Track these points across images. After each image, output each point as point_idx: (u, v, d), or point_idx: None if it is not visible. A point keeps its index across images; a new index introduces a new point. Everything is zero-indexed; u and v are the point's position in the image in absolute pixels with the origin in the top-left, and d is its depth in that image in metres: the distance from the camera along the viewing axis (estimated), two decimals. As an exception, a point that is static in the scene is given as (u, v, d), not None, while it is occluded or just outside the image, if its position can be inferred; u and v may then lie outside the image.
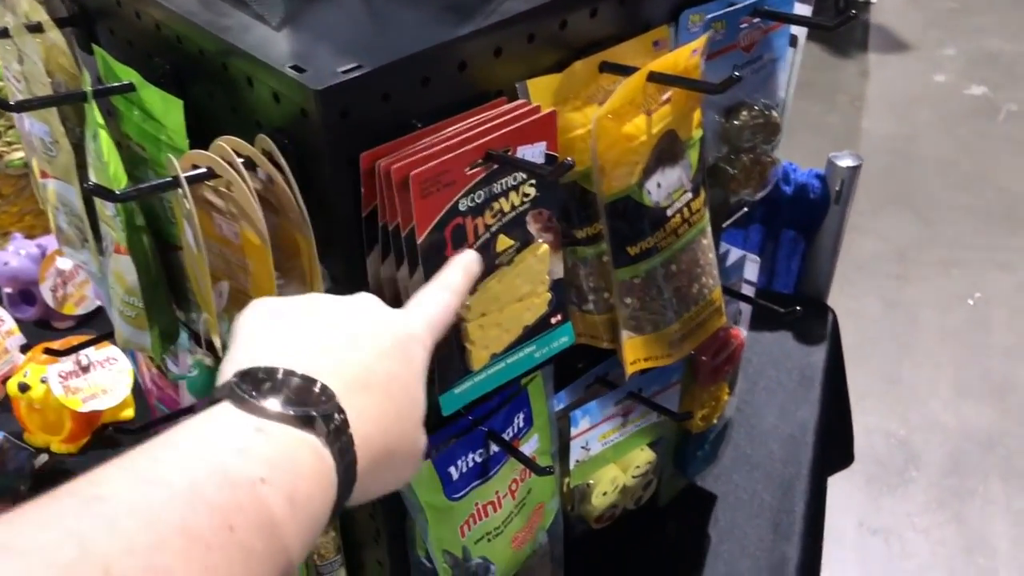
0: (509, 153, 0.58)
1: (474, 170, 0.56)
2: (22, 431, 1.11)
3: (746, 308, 1.04)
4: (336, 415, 0.40)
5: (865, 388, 2.53)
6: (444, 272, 0.55)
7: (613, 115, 0.62)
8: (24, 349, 1.17)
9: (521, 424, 0.76)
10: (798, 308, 0.87)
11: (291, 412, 0.38)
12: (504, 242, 0.61)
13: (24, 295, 1.30)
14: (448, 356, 0.61)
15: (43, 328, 1.31)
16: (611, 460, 0.90)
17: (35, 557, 0.28)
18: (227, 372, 0.41)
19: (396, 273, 0.58)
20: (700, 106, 0.71)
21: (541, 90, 0.63)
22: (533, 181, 0.60)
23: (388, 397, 0.45)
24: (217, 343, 0.64)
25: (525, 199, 0.61)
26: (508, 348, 0.64)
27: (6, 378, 1.13)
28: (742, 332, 1.08)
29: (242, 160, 0.56)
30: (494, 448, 0.73)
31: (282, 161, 0.55)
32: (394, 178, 0.54)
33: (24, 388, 1.06)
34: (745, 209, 1.03)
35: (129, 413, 1.13)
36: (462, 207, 0.57)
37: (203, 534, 0.32)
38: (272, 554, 0.35)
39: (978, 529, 2.17)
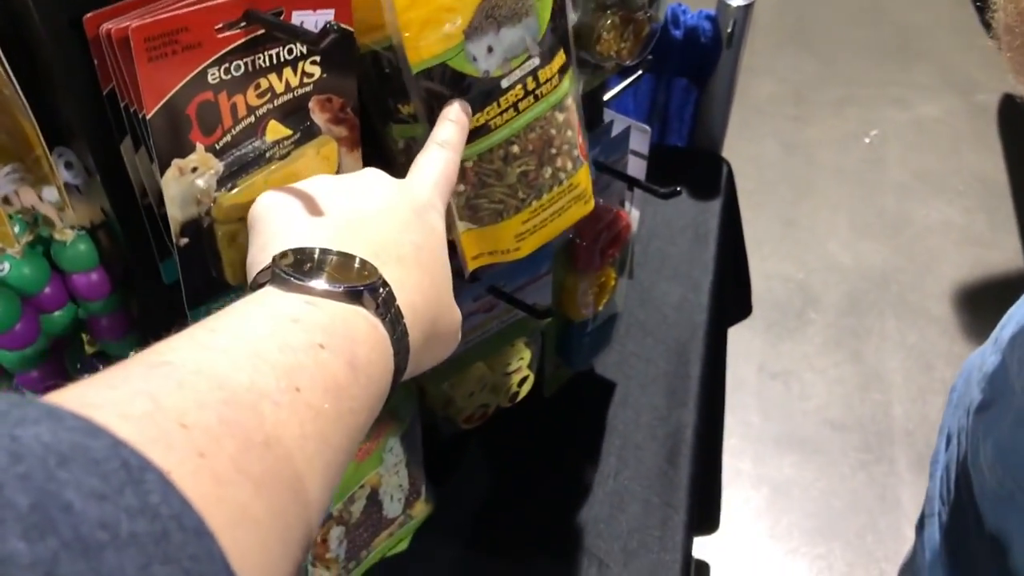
0: (282, 18, 0.46)
1: (230, 32, 0.44)
2: None
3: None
4: (381, 288, 0.40)
5: (763, 234, 2.56)
6: (436, 129, 0.52)
7: (417, -37, 0.50)
8: None
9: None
10: (678, 189, 0.78)
11: (338, 288, 0.38)
12: (277, 130, 0.50)
13: None
14: (200, 261, 0.51)
15: None
16: (476, 359, 0.82)
17: (109, 410, 0.27)
18: (259, 261, 0.41)
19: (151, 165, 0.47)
20: (553, -49, 0.59)
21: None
22: (317, 58, 0.49)
23: (420, 267, 0.44)
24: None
25: (307, 79, 0.49)
26: None
27: None
28: (633, 213, 1.00)
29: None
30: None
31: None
32: (115, 37, 0.42)
33: None
34: (627, 81, 0.93)
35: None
36: (211, 78, 0.45)
37: (271, 393, 0.32)
38: (340, 415, 0.35)
39: (874, 366, 2.23)
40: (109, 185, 0.51)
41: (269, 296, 0.38)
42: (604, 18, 0.68)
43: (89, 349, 0.62)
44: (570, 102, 0.63)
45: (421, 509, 0.84)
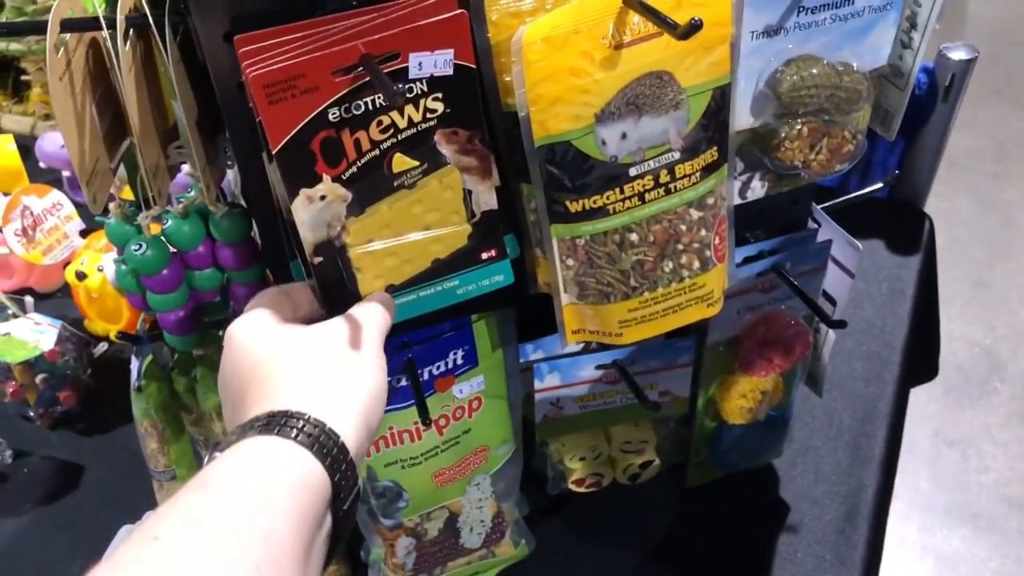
0: (400, 60, 0.49)
1: (345, 76, 0.48)
2: (83, 318, 1.11)
3: (828, 308, 0.88)
4: (338, 453, 0.45)
5: (951, 293, 2.41)
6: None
7: (548, 42, 0.51)
8: (84, 234, 1.15)
9: (460, 361, 0.69)
10: (844, 322, 0.72)
11: (303, 449, 0.44)
12: (402, 162, 0.53)
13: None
14: (337, 278, 0.55)
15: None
16: (592, 426, 0.81)
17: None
18: (237, 416, 0.48)
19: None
20: (735, 47, 0.57)
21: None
22: (439, 94, 0.51)
23: (377, 408, 0.50)
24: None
25: (430, 114, 0.52)
26: (414, 280, 0.58)
27: (67, 263, 1.10)
28: (828, 336, 0.92)
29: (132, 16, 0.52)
30: (422, 376, 0.68)
31: (150, 20, 0.50)
32: (246, 78, 0.47)
33: (81, 276, 1.02)
34: (860, 192, 0.86)
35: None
36: (332, 117, 0.49)
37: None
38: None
39: None
40: (250, 188, 0.57)
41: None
42: (790, 126, 0.64)
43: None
44: (713, 201, 0.60)
45: (508, 550, 0.85)
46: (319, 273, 0.54)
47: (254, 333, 0.50)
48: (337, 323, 0.52)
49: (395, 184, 0.54)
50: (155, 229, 0.63)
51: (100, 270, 1.01)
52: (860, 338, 1.14)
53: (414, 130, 0.52)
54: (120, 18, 0.50)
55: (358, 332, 0.51)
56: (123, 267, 0.64)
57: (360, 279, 0.56)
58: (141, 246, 0.61)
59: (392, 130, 0.52)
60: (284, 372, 0.47)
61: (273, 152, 0.49)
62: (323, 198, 0.52)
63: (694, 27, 0.47)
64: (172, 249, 0.63)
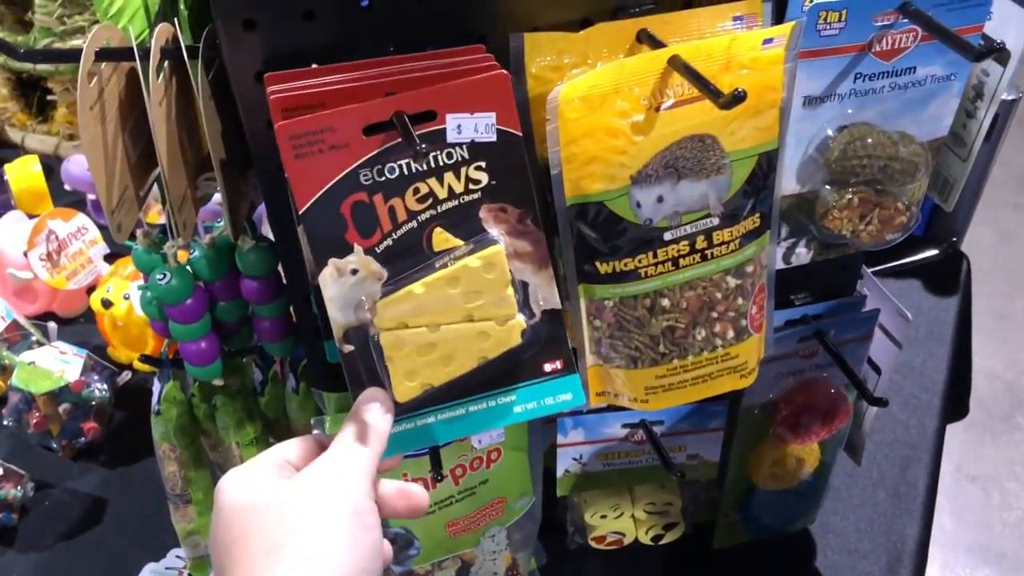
0: (437, 120, 0.47)
1: (376, 135, 0.46)
2: (106, 345, 1.08)
3: (872, 377, 0.85)
4: None
5: (973, 324, 2.25)
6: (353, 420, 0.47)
7: (585, 100, 0.49)
8: (109, 259, 1.13)
9: (480, 413, 0.67)
10: (885, 400, 0.69)
11: None
12: (444, 239, 0.48)
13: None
14: (370, 373, 0.49)
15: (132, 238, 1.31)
16: (615, 484, 0.78)
17: None
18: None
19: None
20: (784, 112, 0.55)
21: (544, 48, 0.51)
22: (483, 163, 0.48)
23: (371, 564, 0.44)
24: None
25: (473, 185, 0.48)
26: (459, 384, 0.50)
27: (91, 288, 1.09)
28: (868, 411, 0.88)
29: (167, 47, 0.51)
30: (439, 428, 0.66)
31: (184, 54, 0.49)
32: (274, 125, 0.45)
33: (107, 304, 1.01)
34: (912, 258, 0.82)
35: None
36: (363, 179, 0.46)
37: None
38: None
39: None
40: (277, 225, 0.56)
41: None
42: (839, 195, 0.61)
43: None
44: (752, 269, 0.58)
45: (521, 604, 0.82)
46: (349, 365, 0.48)
47: (237, 491, 0.45)
48: (317, 475, 0.45)
49: (437, 265, 0.48)
50: (183, 257, 0.63)
51: (127, 298, 1.00)
52: (899, 380, 1.13)
53: (456, 202, 0.48)
54: (154, 49, 0.50)
55: (338, 488, 0.44)
56: (147, 294, 0.63)
57: (392, 374, 0.49)
58: (166, 275, 0.61)
59: (431, 200, 0.47)
60: (257, 544, 0.43)
61: (300, 212, 0.46)
62: (355, 272, 0.47)
63: (737, 98, 0.44)
64: (197, 279, 0.62)
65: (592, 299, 0.56)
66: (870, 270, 0.82)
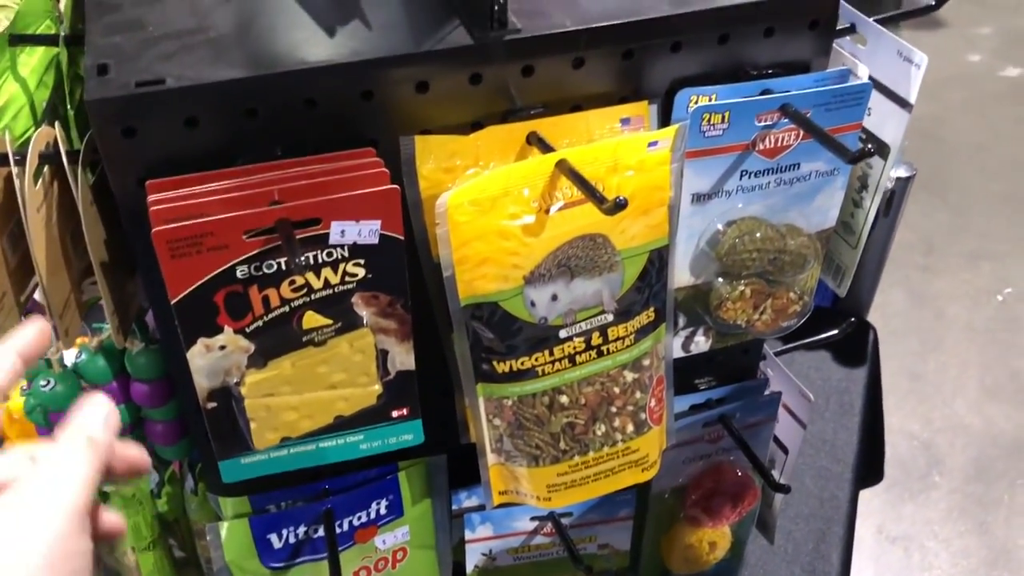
0: (322, 225, 0.47)
1: (258, 237, 0.46)
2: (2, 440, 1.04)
3: (779, 457, 0.86)
4: None
5: (887, 387, 2.39)
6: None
7: (475, 204, 0.49)
8: None
9: (383, 511, 0.65)
10: (787, 487, 0.69)
11: None
12: (314, 319, 0.51)
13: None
14: (229, 424, 0.53)
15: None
16: (526, 576, 0.77)
17: None
18: None
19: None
20: (673, 210, 0.56)
21: (435, 150, 0.52)
22: (361, 260, 0.49)
23: None
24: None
25: (349, 278, 0.50)
26: (313, 434, 0.55)
27: None
28: (775, 498, 0.89)
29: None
30: (340, 527, 0.64)
31: (63, 159, 0.48)
32: (152, 226, 0.45)
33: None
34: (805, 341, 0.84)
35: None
36: (240, 274, 0.47)
37: None
38: None
39: (1002, 540, 2.05)
40: (164, 329, 0.55)
41: None
42: (732, 287, 0.63)
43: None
44: (649, 362, 0.58)
45: None
46: (211, 419, 0.53)
47: None
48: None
49: (303, 340, 0.51)
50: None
51: (24, 392, 0.95)
52: (811, 454, 1.13)
53: (330, 291, 0.50)
54: (32, 155, 0.48)
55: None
56: (31, 401, 0.61)
57: (254, 429, 0.54)
58: (49, 381, 0.58)
59: (306, 290, 0.50)
60: None
61: (172, 302, 0.47)
62: (223, 348, 0.50)
63: (619, 205, 0.45)
64: (83, 384, 0.60)
65: (491, 398, 0.56)
66: (781, 346, 0.84)
